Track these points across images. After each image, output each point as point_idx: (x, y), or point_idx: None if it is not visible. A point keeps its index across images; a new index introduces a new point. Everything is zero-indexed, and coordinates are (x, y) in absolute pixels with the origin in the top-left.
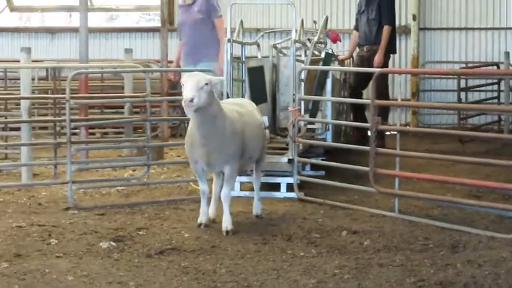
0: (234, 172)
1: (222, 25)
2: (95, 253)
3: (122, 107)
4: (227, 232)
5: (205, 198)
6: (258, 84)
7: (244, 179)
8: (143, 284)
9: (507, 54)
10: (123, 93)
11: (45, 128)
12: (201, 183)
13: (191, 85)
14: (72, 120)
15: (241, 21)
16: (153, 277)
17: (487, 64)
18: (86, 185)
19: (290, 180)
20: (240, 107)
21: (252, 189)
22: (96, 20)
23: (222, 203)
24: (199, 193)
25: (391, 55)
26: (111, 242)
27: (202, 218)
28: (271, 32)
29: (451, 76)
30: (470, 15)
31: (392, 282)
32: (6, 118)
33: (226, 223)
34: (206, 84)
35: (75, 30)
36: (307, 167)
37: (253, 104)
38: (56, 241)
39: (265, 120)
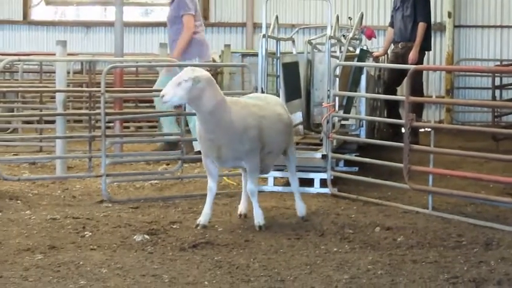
0: (255, 167)
1: (187, 23)
2: (129, 246)
3: None
4: (260, 227)
5: (211, 197)
6: (293, 80)
7: (277, 173)
8: (177, 277)
9: None
10: None
11: (80, 121)
12: (209, 179)
13: (172, 81)
14: (106, 114)
15: (277, 17)
16: (186, 270)
17: None
18: (120, 178)
19: (324, 175)
20: (261, 100)
21: (285, 184)
22: (130, 14)
23: (251, 199)
24: (208, 187)
25: (426, 52)
26: (145, 235)
27: (201, 219)
28: (306, 27)
29: (485, 74)
30: (505, 13)
31: (425, 279)
32: (41, 111)
33: (258, 218)
34: (185, 80)
35: (110, 24)
36: (341, 163)
37: (277, 99)
38: (90, 234)
39: (298, 116)
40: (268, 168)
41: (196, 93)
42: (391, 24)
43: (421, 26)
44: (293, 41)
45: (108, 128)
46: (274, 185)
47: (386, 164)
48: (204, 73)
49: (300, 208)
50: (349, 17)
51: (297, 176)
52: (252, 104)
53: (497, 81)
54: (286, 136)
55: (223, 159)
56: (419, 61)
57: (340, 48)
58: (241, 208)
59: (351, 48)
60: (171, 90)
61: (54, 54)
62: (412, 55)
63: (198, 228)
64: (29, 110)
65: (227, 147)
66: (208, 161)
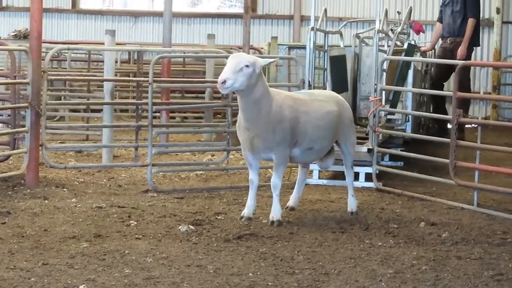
0: (282, 160)
1: None
2: (174, 236)
3: (203, 92)
4: (272, 222)
5: (254, 189)
6: (340, 73)
7: None
8: (221, 268)
9: None
10: (204, 78)
11: (126, 110)
12: (250, 171)
13: (229, 66)
14: (153, 104)
15: (325, 10)
16: (231, 261)
17: None
18: (166, 169)
19: (369, 169)
20: (309, 95)
21: (330, 178)
22: (178, 5)
23: (272, 192)
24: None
25: (474, 48)
26: (190, 226)
27: (245, 211)
28: (354, 21)
29: None
30: None
31: (470, 275)
32: (88, 99)
33: (273, 213)
34: (247, 66)
35: (157, 14)
36: (386, 157)
37: (334, 96)
38: (136, 223)
39: None
40: (324, 164)
41: (254, 80)
42: (440, 19)
43: (471, 21)
44: (341, 35)
45: (154, 118)
46: (319, 178)
47: (431, 159)
48: (260, 59)
49: (351, 203)
50: (397, 11)
51: (353, 171)
52: (294, 97)
53: None
54: (332, 133)
55: (256, 149)
56: (468, 57)
57: (387, 43)
58: (290, 201)
59: (398, 43)
60: (232, 76)
61: (102, 44)
62: (461, 50)
63: (243, 220)
64: (76, 99)
65: (260, 137)
66: (247, 153)
